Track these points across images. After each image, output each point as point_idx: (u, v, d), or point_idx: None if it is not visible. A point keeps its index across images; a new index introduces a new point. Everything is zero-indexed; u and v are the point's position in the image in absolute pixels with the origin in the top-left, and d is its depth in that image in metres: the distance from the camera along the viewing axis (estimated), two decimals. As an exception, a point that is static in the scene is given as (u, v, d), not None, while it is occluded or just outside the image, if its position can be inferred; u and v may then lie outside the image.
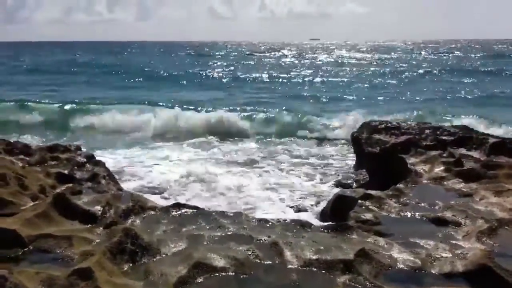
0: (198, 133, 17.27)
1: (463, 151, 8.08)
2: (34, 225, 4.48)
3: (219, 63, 57.62)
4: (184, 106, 21.30)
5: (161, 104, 22.89)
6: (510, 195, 5.81)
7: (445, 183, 6.67)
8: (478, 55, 71.72)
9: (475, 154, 7.87)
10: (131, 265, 3.90)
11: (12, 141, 8.03)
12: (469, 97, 26.88)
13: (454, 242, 4.52)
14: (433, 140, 8.80)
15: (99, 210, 4.98)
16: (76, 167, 7.17)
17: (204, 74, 42.66)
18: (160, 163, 12.28)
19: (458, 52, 79.76)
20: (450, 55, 73.11)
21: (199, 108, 21.18)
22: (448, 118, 17.97)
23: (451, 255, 4.18)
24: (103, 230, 4.57)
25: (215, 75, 42.21)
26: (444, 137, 8.87)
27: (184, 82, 36.50)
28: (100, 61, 59.36)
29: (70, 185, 6.27)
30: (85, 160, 7.55)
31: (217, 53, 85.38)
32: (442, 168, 7.24)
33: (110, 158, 12.00)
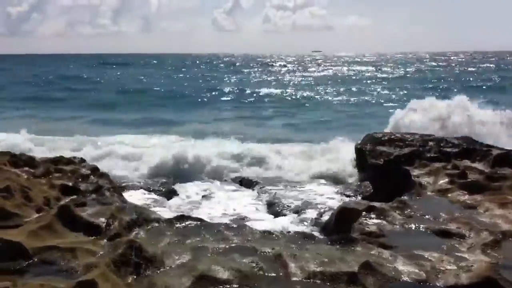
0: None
1: (467, 162, 8.07)
2: (38, 237, 4.48)
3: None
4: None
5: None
6: (514, 207, 5.80)
7: (449, 195, 6.66)
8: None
9: (479, 166, 7.86)
10: (135, 277, 3.90)
11: (17, 153, 8.04)
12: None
13: (458, 254, 4.50)
14: (437, 152, 8.81)
15: (103, 222, 4.98)
16: (80, 179, 7.19)
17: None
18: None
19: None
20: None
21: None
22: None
23: (455, 267, 4.17)
24: (107, 242, 4.57)
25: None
26: (448, 149, 8.87)
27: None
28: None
29: (75, 197, 6.28)
30: (89, 172, 7.56)
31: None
32: (446, 180, 7.23)
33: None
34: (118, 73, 62.11)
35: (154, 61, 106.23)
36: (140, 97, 34.13)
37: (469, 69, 66.24)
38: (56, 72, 60.60)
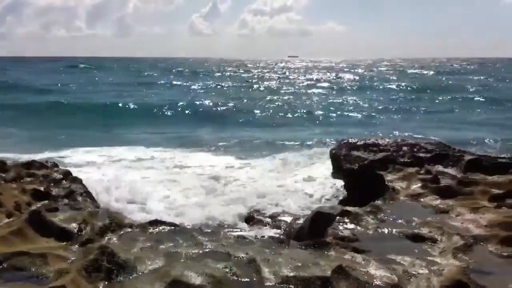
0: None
1: (439, 168, 8.19)
2: (8, 242, 4.41)
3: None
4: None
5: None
6: (485, 211, 5.89)
7: (422, 199, 6.74)
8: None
9: (451, 171, 7.98)
10: (106, 283, 3.85)
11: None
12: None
13: (430, 258, 4.56)
14: (410, 157, 8.91)
15: (75, 228, 4.91)
16: (52, 184, 7.09)
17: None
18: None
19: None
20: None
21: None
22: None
23: (427, 271, 4.21)
24: (79, 247, 4.51)
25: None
26: (421, 154, 8.98)
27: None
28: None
29: (46, 202, 6.20)
30: (61, 176, 7.46)
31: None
32: (419, 184, 7.32)
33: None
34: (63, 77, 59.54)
35: (115, 65, 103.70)
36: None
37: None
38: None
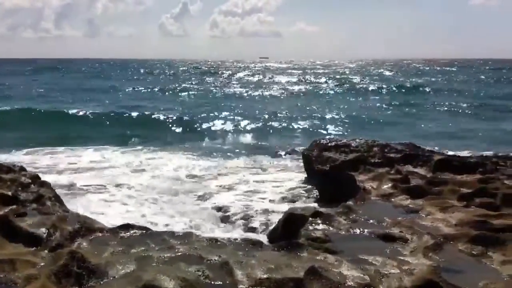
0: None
1: (409, 168, 8.29)
2: (-25, 249, 4.31)
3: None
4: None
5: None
6: (455, 210, 5.99)
7: (392, 199, 6.82)
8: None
9: (421, 171, 8.09)
10: (77, 288, 3.79)
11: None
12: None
13: (401, 258, 4.61)
14: (381, 157, 9.00)
15: (44, 233, 4.84)
16: (20, 188, 6.93)
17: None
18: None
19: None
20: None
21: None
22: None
23: (398, 271, 4.26)
24: (48, 253, 4.45)
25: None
26: (391, 155, 9.08)
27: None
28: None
29: (14, 206, 6.05)
30: (30, 181, 7.29)
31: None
32: (389, 185, 7.40)
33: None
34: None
35: (61, 67, 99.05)
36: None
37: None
38: None
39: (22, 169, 7.87)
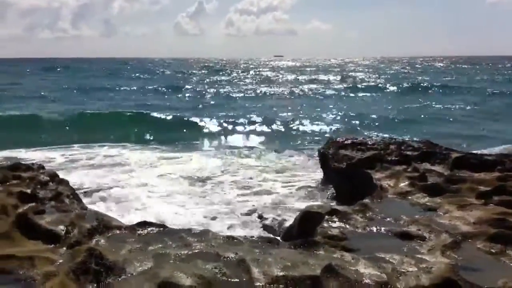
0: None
1: (427, 165, 8.22)
2: (-5, 246, 4.37)
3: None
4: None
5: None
6: (473, 209, 5.93)
7: (410, 197, 6.77)
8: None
9: (438, 168, 8.01)
10: (95, 285, 3.83)
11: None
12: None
13: (419, 256, 4.58)
14: (397, 155, 8.94)
15: (63, 230, 4.88)
16: (39, 186, 7.01)
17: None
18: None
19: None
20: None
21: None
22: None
23: (416, 269, 4.23)
24: (67, 250, 4.49)
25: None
26: (408, 152, 9.01)
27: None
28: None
29: (33, 204, 6.12)
30: (48, 179, 7.38)
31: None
32: (406, 182, 7.35)
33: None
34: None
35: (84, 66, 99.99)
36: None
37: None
38: None
39: (41, 167, 7.97)
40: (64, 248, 4.53)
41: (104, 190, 10.83)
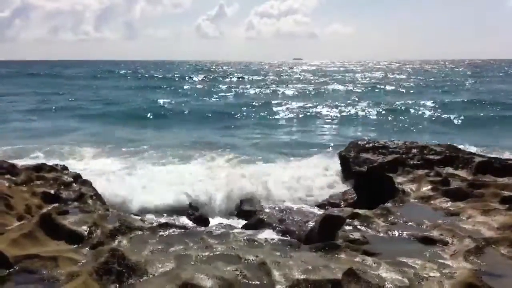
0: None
1: (449, 170, 8.15)
2: (20, 245, 4.43)
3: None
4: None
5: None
6: (496, 214, 5.85)
7: (432, 202, 6.71)
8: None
9: (461, 173, 7.94)
10: (117, 285, 3.86)
11: (-3, 160, 7.94)
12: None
13: (441, 261, 4.53)
14: (420, 159, 8.87)
15: (86, 230, 4.94)
16: (62, 187, 7.12)
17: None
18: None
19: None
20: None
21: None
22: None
23: (438, 274, 4.18)
24: (90, 250, 4.54)
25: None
26: (430, 156, 8.94)
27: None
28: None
29: (57, 205, 6.22)
30: (71, 179, 7.49)
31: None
32: (429, 187, 7.29)
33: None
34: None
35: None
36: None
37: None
38: None
39: (65, 168, 8.07)
40: (87, 249, 4.58)
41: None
